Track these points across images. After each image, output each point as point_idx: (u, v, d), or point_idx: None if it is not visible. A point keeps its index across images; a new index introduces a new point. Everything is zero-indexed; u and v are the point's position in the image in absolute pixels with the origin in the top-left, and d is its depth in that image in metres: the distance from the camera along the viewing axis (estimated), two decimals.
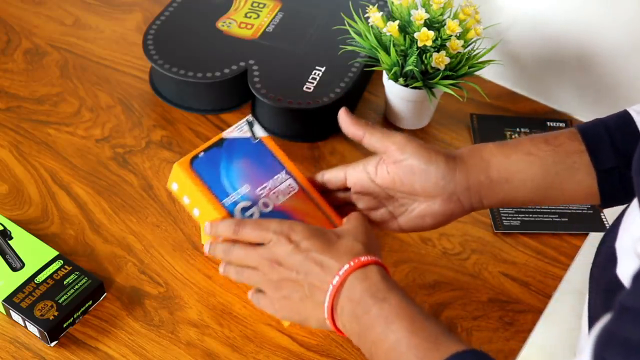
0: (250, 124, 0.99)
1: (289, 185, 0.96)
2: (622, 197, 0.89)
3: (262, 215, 0.92)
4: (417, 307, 0.83)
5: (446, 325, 0.84)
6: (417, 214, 0.95)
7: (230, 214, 0.91)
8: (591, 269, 0.94)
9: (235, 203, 0.93)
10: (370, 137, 0.94)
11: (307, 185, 0.97)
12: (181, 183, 0.96)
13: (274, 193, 0.95)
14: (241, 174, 0.95)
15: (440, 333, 0.79)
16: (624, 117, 0.88)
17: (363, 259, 0.85)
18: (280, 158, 0.98)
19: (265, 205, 0.93)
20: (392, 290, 0.84)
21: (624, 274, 0.78)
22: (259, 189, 0.94)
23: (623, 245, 0.79)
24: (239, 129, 0.98)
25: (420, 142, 0.92)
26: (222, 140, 0.97)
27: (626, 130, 0.87)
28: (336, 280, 0.84)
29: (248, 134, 0.98)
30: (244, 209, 0.92)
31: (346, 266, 0.84)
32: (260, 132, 0.99)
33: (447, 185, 0.91)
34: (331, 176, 0.99)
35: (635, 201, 0.73)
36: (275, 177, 0.96)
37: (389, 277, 0.86)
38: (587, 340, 0.61)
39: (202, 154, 0.96)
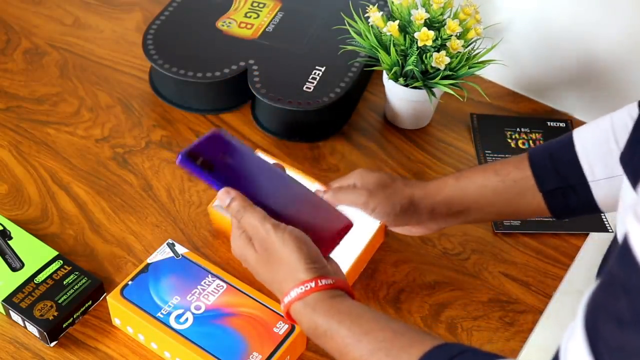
0: (171, 246, 1.07)
1: (217, 285, 1.03)
2: (571, 212, 0.99)
3: (196, 317, 0.99)
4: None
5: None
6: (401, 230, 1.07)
7: (166, 325, 0.98)
8: (602, 258, 0.96)
9: (169, 314, 0.99)
10: (338, 203, 1.00)
11: (236, 281, 1.04)
12: (120, 314, 1.02)
13: (204, 296, 1.02)
14: (170, 288, 1.02)
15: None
16: (568, 145, 0.97)
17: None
18: (205, 265, 1.05)
19: (197, 308, 1.01)
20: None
21: None
22: (188, 296, 1.02)
23: (619, 217, 0.81)
24: (161, 253, 1.06)
25: (380, 195, 1.00)
26: (147, 265, 1.05)
27: (567, 158, 0.97)
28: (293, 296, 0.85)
29: (171, 254, 1.06)
30: (178, 316, 0.99)
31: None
32: (181, 249, 1.07)
33: (410, 220, 1.02)
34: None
35: (625, 180, 0.78)
36: (202, 282, 1.03)
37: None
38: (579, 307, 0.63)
39: (130, 282, 1.02)
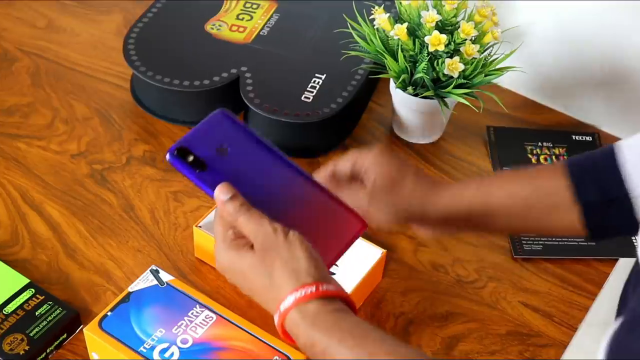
0: (155, 273, 1.05)
1: (206, 316, 1.01)
2: (608, 230, 0.94)
3: (182, 352, 0.97)
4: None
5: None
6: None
7: None
8: (622, 290, 0.94)
9: (152, 348, 0.97)
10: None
11: (227, 312, 1.02)
12: (98, 349, 1.00)
13: (191, 328, 1.00)
14: (153, 320, 1.00)
15: None
16: (610, 155, 0.93)
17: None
18: (192, 294, 1.04)
19: (184, 341, 0.98)
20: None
21: None
22: (174, 328, 1.00)
23: None
24: (144, 280, 1.04)
25: (383, 199, 0.96)
26: (128, 294, 1.03)
27: (611, 171, 0.92)
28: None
29: (154, 282, 1.04)
30: (163, 350, 0.97)
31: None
32: (166, 276, 1.05)
33: (414, 224, 0.99)
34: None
35: None
36: (190, 312, 1.01)
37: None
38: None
39: (109, 313, 1.00)
